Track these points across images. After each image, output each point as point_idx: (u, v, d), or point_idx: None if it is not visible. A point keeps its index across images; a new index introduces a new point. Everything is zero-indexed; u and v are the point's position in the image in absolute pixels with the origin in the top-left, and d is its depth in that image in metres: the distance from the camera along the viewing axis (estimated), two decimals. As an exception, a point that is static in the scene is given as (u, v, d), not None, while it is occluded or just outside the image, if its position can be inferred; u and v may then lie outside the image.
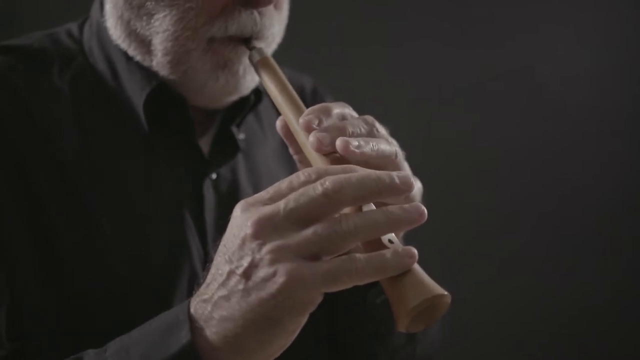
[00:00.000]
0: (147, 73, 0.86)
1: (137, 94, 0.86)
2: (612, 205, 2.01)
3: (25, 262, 0.78)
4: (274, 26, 0.84)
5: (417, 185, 0.73)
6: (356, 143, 0.63)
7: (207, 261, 0.86)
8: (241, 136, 0.94)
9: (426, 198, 0.77)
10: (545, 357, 2.01)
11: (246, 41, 0.82)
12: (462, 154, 1.95)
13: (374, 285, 0.86)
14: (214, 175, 0.90)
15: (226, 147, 0.92)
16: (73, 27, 0.94)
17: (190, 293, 0.83)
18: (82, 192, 0.83)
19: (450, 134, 1.94)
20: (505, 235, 1.98)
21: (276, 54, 0.86)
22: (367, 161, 0.65)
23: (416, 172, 0.75)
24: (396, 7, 1.90)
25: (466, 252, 1.95)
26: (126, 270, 0.82)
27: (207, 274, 0.61)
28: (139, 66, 0.86)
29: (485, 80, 1.95)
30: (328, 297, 0.92)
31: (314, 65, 1.26)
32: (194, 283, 0.84)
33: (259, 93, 0.93)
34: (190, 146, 0.89)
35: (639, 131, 2.02)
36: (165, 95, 0.86)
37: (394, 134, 0.76)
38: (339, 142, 0.62)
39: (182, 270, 0.85)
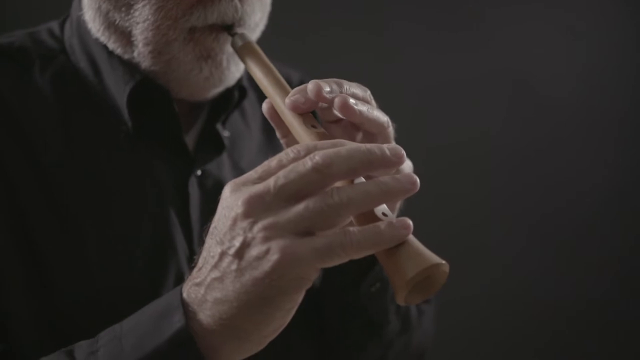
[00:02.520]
0: (130, 68, 0.85)
1: (120, 90, 0.85)
2: (607, 204, 2.02)
3: (10, 268, 0.77)
4: (255, 13, 0.83)
5: (408, 164, 0.72)
6: (354, 101, 0.63)
7: (193, 259, 0.86)
8: (226, 133, 0.93)
9: (415, 195, 0.76)
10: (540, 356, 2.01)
11: (228, 28, 0.81)
12: (454, 150, 1.95)
13: (367, 273, 0.86)
14: (198, 172, 0.89)
15: (211, 144, 0.91)
16: (54, 25, 0.93)
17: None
18: (66, 193, 0.82)
19: (443, 131, 1.94)
20: (499, 235, 1.99)
21: (261, 44, 0.85)
22: (361, 124, 0.65)
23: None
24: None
25: (459, 252, 1.94)
26: (112, 271, 0.81)
27: (198, 257, 0.60)
28: (121, 61, 0.85)
29: (478, 76, 1.95)
30: (317, 287, 0.92)
31: (298, 55, 1.25)
32: (180, 281, 0.83)
33: (243, 89, 0.92)
34: (176, 143, 0.88)
35: (634, 130, 2.03)
36: (148, 91, 0.85)
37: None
38: (337, 98, 0.62)
39: (168, 269, 0.84)
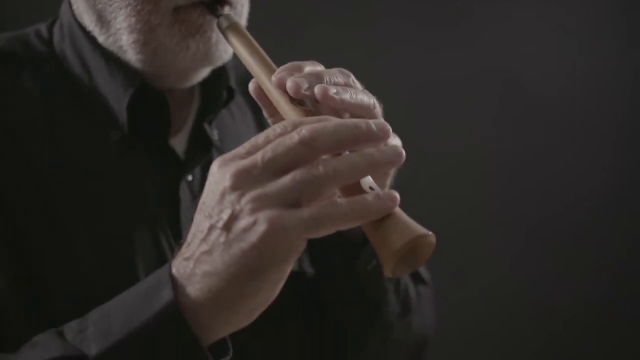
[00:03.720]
0: (128, 74, 0.84)
1: (117, 96, 0.85)
2: (604, 207, 2.02)
3: (7, 271, 0.77)
4: None
5: (397, 142, 0.73)
6: (335, 90, 0.62)
7: None
8: (215, 135, 0.93)
9: (407, 195, 0.77)
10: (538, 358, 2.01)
11: (213, 8, 0.80)
12: (445, 149, 1.95)
13: (361, 251, 0.86)
14: (189, 177, 0.89)
15: (201, 146, 0.91)
16: (42, 28, 0.92)
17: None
18: (57, 198, 0.81)
19: (433, 129, 1.94)
20: (497, 238, 1.98)
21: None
22: (345, 110, 0.65)
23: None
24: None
25: (457, 254, 1.94)
26: (101, 275, 0.80)
27: (187, 234, 0.60)
28: (119, 67, 0.85)
29: (468, 74, 1.96)
30: (312, 276, 0.91)
31: (286, 52, 1.26)
32: None
33: (231, 90, 0.92)
34: (166, 149, 0.88)
35: (629, 128, 2.03)
36: (144, 94, 0.85)
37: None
38: (317, 89, 0.62)
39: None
